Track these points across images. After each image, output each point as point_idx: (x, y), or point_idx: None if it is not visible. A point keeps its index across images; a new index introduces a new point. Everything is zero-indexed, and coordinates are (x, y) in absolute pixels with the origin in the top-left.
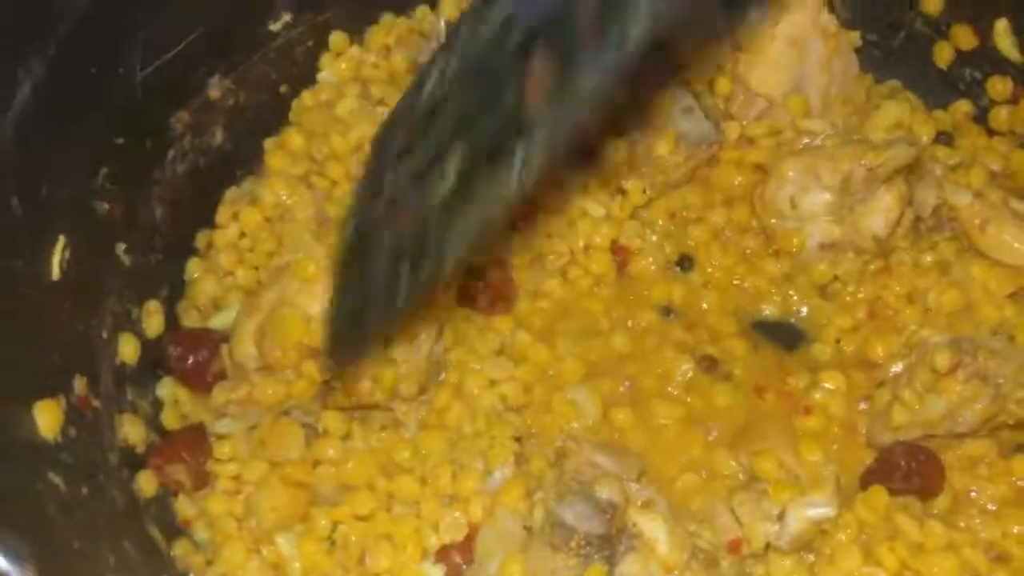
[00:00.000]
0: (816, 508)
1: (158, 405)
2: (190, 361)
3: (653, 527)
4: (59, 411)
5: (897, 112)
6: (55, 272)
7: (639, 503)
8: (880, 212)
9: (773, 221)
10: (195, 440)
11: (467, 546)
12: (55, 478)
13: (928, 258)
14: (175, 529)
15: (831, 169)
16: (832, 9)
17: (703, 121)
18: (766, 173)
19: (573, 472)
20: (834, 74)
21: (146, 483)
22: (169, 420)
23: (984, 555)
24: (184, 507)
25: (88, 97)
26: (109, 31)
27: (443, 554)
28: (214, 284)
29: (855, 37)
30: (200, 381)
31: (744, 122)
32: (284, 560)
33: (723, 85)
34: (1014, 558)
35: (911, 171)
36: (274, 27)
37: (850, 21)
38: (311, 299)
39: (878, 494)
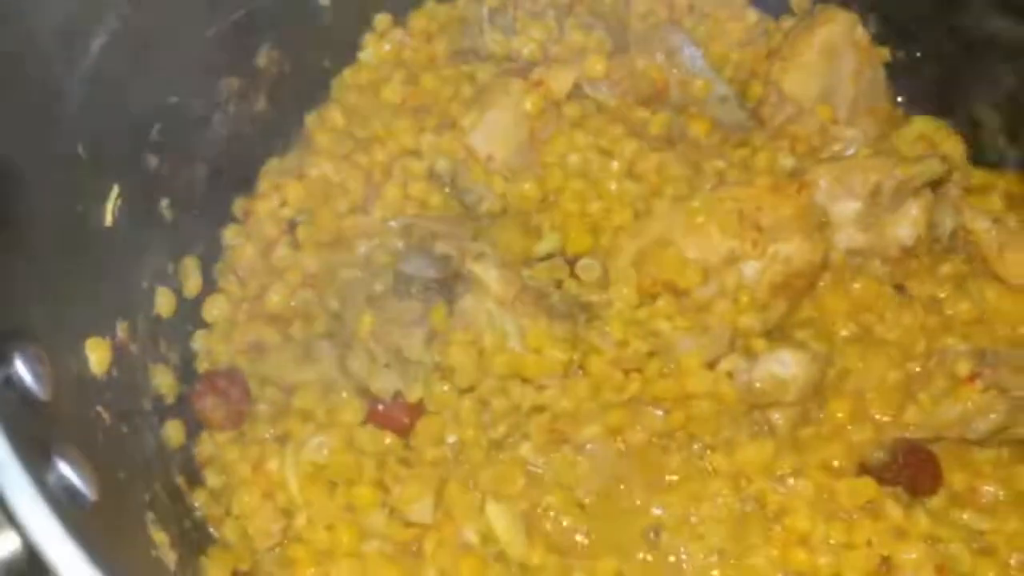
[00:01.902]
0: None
1: (188, 359)
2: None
3: (484, 270)
4: (107, 350)
5: (924, 127)
6: (108, 219)
7: (474, 255)
8: (908, 222)
9: None
10: (234, 380)
11: None
12: (102, 411)
13: (945, 269)
14: (197, 480)
15: (862, 180)
16: (865, 24)
17: (737, 111)
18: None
19: (418, 240)
20: (862, 86)
21: (174, 432)
22: (203, 367)
23: (967, 547)
24: (205, 447)
25: (153, 54)
26: None
27: None
28: (254, 251)
29: (885, 53)
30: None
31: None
32: (295, 506)
33: (755, 88)
34: (999, 552)
35: (936, 186)
36: (324, 2)
37: (881, 37)
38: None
39: (865, 485)
